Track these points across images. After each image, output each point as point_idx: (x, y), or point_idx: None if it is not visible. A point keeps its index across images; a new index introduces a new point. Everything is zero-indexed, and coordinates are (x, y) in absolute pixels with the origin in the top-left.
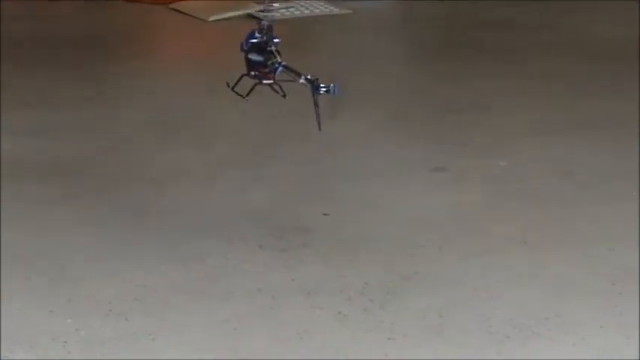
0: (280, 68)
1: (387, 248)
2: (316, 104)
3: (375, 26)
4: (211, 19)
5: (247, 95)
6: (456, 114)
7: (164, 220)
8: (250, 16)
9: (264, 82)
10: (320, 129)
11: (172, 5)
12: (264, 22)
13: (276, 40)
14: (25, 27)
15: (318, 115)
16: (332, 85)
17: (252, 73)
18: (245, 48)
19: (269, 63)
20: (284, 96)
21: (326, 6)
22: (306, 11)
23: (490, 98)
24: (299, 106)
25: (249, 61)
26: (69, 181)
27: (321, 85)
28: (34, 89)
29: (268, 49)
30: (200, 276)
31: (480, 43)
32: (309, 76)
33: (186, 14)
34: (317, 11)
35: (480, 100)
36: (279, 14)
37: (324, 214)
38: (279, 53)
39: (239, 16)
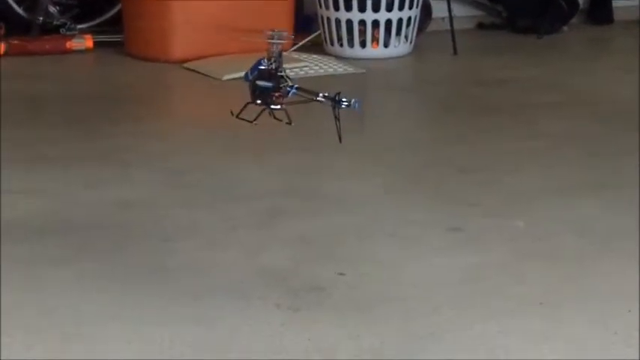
0: (294, 91)
1: (403, 308)
2: (337, 118)
3: (387, 85)
4: (225, 77)
5: (255, 120)
6: (469, 174)
7: (178, 279)
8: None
9: (273, 107)
10: (340, 141)
11: (186, 64)
12: (273, 50)
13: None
14: (35, 84)
15: (339, 129)
16: (353, 100)
17: (258, 100)
18: (250, 77)
19: (281, 86)
20: (289, 123)
21: (340, 65)
22: (320, 70)
23: (502, 158)
24: (309, 161)
25: (255, 88)
26: (80, 240)
27: (343, 100)
28: (46, 147)
29: (279, 74)
30: (214, 336)
31: (491, 102)
32: (326, 94)
33: (200, 73)
34: (330, 70)
35: (493, 160)
36: (292, 73)
37: (340, 274)
38: (289, 78)
39: None
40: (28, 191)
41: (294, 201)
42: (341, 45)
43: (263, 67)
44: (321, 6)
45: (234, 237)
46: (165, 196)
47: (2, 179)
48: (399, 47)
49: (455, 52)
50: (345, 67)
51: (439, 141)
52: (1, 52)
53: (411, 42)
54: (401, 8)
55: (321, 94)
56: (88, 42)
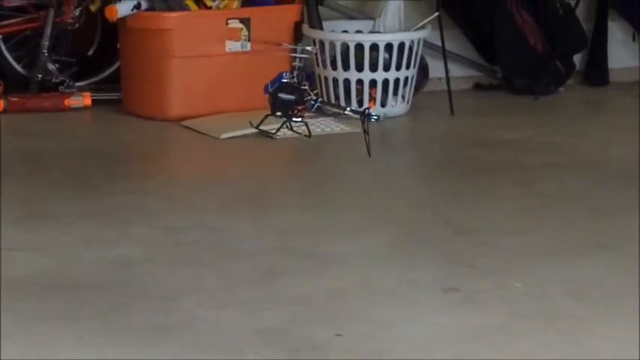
0: (318, 104)
1: None
2: (366, 132)
3: (384, 145)
4: (223, 136)
5: (277, 132)
6: (466, 234)
7: (177, 336)
8: (263, 133)
9: (294, 120)
10: (370, 155)
11: (185, 122)
12: (296, 64)
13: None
14: (34, 141)
15: (368, 143)
16: (381, 114)
17: (279, 113)
18: (270, 90)
19: (305, 99)
20: (309, 136)
21: (337, 124)
22: (318, 129)
23: (499, 218)
24: (308, 219)
25: (277, 101)
26: (81, 297)
27: (373, 114)
28: (46, 204)
29: (302, 87)
30: None
31: (488, 162)
32: (354, 108)
33: (198, 132)
34: (328, 130)
35: (489, 221)
36: (290, 132)
37: (337, 335)
38: (312, 91)
39: (252, 134)
40: (28, 249)
41: (293, 259)
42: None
43: (285, 80)
44: (318, 65)
45: (232, 295)
46: (165, 253)
47: (2, 236)
48: (396, 107)
49: (452, 112)
50: (342, 126)
51: (437, 201)
52: (0, 110)
53: (408, 102)
54: (398, 68)
55: (348, 109)
56: (86, 99)
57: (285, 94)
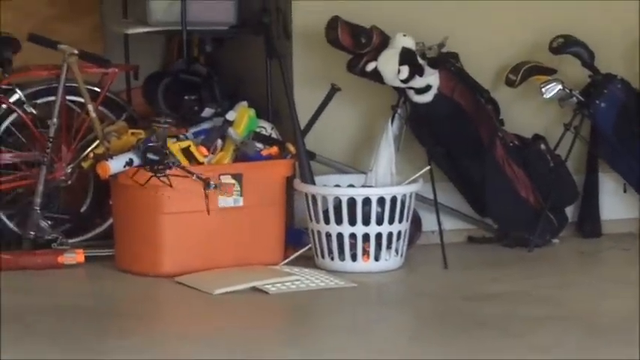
0: (175, 167)
1: None
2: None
3: (378, 299)
4: (217, 292)
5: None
6: None
7: None
8: (256, 289)
9: (158, 175)
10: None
11: (177, 278)
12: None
13: None
14: (25, 299)
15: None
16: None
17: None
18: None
19: (166, 161)
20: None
21: (331, 279)
22: (312, 284)
23: None
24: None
25: (145, 159)
26: None
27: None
28: None
29: (164, 151)
30: None
31: (482, 316)
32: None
33: (191, 287)
34: (322, 284)
35: None
36: (284, 287)
37: None
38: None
39: (245, 289)
40: None
41: None
42: (332, 258)
43: (151, 144)
44: (311, 219)
45: None
46: None
47: None
48: (390, 261)
49: (446, 265)
50: (336, 280)
51: (430, 356)
52: None
53: (401, 255)
54: (391, 222)
55: (195, 175)
56: (79, 256)
57: (152, 154)
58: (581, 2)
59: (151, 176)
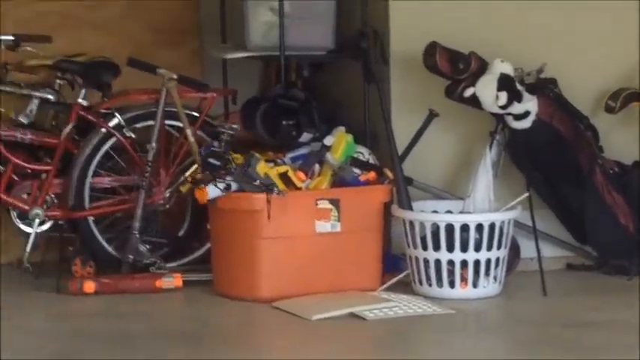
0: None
1: None
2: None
3: (476, 327)
4: (314, 317)
5: None
6: None
7: None
8: (354, 315)
9: (218, 181)
10: None
11: (275, 303)
12: (224, 138)
13: None
14: (123, 323)
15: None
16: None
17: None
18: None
19: (227, 167)
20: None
21: (429, 306)
22: (410, 310)
23: None
24: None
25: (206, 164)
26: None
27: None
28: None
29: (227, 156)
30: None
31: (580, 345)
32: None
33: (289, 313)
34: (420, 311)
35: None
36: (382, 313)
37: None
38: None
39: (343, 315)
40: None
41: None
42: (430, 285)
43: (214, 149)
44: (409, 245)
45: None
46: None
47: None
48: (488, 287)
49: (544, 292)
50: (434, 307)
51: None
52: (92, 291)
53: (500, 282)
54: (489, 248)
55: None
56: (177, 281)
57: (213, 159)
58: None
59: (209, 181)
